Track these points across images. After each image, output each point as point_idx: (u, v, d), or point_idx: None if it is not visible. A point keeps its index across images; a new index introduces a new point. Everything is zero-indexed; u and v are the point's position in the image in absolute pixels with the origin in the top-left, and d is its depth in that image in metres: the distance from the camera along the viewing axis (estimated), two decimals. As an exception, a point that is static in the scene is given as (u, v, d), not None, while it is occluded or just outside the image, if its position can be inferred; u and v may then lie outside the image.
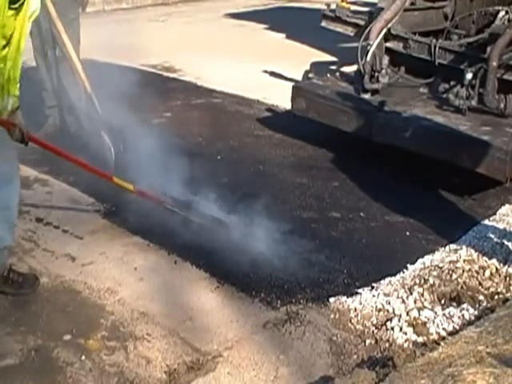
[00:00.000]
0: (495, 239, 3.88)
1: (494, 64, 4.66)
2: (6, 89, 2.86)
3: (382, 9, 5.36)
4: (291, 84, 5.66)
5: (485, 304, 3.23)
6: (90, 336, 2.97)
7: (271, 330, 3.05)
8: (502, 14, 5.22)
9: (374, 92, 5.16)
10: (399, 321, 3.10)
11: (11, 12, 2.66)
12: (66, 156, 3.37)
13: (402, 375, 2.54)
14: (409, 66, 5.47)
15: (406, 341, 2.98)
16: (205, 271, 3.49)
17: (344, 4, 6.57)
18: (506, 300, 3.23)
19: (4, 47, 2.75)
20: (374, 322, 3.12)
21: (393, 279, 3.47)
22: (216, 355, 2.88)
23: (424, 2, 5.79)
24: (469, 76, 4.73)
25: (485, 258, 3.65)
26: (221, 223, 3.73)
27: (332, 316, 3.17)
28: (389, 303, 3.24)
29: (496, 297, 3.29)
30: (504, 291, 3.35)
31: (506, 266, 3.56)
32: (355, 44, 5.41)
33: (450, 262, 3.62)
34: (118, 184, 3.40)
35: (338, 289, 3.40)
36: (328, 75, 5.67)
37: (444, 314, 3.15)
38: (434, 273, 3.51)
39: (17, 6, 2.68)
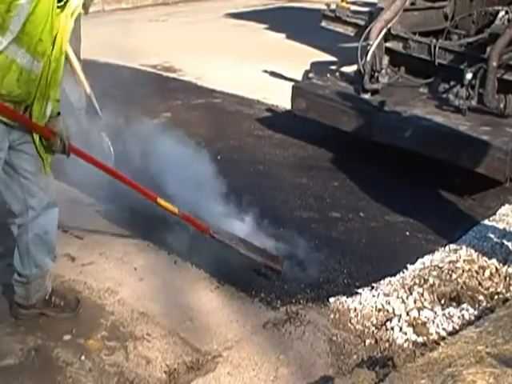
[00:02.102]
0: (495, 239, 3.88)
1: (494, 64, 4.66)
2: (46, 94, 2.65)
3: (382, 9, 5.36)
4: (291, 84, 5.66)
5: (484, 304, 3.23)
6: (90, 336, 2.96)
7: (271, 330, 3.05)
8: (501, 14, 5.22)
9: (374, 92, 5.17)
10: (399, 321, 3.10)
11: (58, 10, 2.49)
12: (108, 171, 3.15)
13: (401, 375, 2.54)
14: (409, 66, 5.47)
15: (405, 341, 2.98)
16: (205, 271, 3.49)
17: (344, 4, 6.59)
18: (506, 300, 3.23)
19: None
20: (374, 322, 3.13)
21: (393, 279, 3.47)
22: (216, 355, 2.88)
23: (424, 2, 5.79)
24: (469, 76, 4.73)
25: (485, 258, 3.65)
26: (273, 258, 3.52)
27: (332, 316, 3.17)
28: (389, 303, 3.24)
29: (496, 297, 3.29)
30: (504, 291, 3.35)
31: (506, 266, 3.56)
32: (355, 44, 5.41)
33: (450, 262, 3.62)
34: (162, 206, 3.25)
35: (337, 289, 3.40)
36: (328, 75, 5.67)
37: (444, 314, 3.15)
38: (434, 273, 3.51)
39: (62, 3, 2.51)
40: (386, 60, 5.38)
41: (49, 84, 2.65)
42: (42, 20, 2.42)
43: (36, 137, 2.72)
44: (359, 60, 5.17)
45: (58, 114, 2.81)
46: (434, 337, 3.00)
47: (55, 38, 2.56)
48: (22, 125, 2.66)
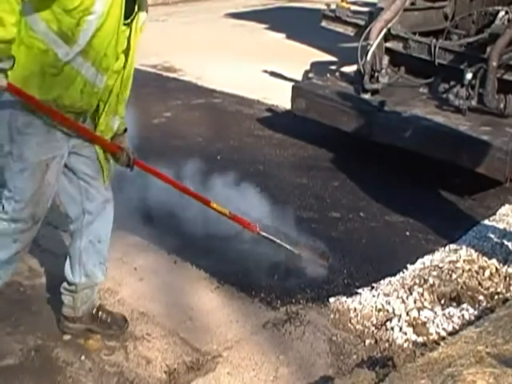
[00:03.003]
0: (495, 239, 3.88)
1: (494, 64, 4.66)
2: (113, 108, 2.69)
3: (382, 9, 5.36)
4: (291, 84, 5.67)
5: (484, 304, 3.23)
6: (89, 336, 2.96)
7: (271, 330, 3.05)
8: (501, 14, 5.23)
9: (374, 92, 5.17)
10: (399, 321, 3.10)
11: (124, 27, 2.51)
12: (171, 182, 3.19)
13: (401, 375, 2.54)
14: (409, 66, 5.47)
15: (405, 341, 2.98)
16: (205, 271, 3.49)
17: (344, 4, 6.60)
18: (506, 300, 3.23)
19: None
20: (374, 322, 3.13)
21: (393, 279, 3.47)
22: (216, 355, 2.88)
23: (424, 2, 5.80)
24: (469, 76, 4.73)
25: (485, 258, 3.65)
26: (319, 253, 3.57)
27: (332, 316, 3.17)
28: (389, 303, 3.24)
29: (496, 297, 3.29)
30: (504, 291, 3.35)
31: (506, 266, 3.56)
32: (355, 44, 5.42)
33: (450, 262, 3.62)
34: (215, 209, 3.30)
35: (337, 289, 3.40)
36: (328, 75, 5.68)
37: (444, 314, 3.15)
38: (434, 273, 3.51)
39: (129, 20, 2.52)
40: (386, 60, 5.38)
41: (118, 100, 2.69)
42: (108, 36, 2.45)
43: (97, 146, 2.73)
44: (359, 60, 5.17)
45: (125, 130, 2.85)
46: (434, 337, 3.00)
47: (127, 54, 2.59)
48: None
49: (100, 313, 3.00)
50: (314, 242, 3.69)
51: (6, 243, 2.63)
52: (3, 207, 2.59)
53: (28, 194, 2.56)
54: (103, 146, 2.73)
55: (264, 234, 3.46)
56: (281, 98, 6.07)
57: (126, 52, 2.60)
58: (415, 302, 3.25)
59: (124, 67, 2.63)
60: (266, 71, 7.34)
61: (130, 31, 2.56)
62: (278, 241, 3.47)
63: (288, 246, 3.48)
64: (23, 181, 2.54)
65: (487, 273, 3.51)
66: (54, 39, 2.38)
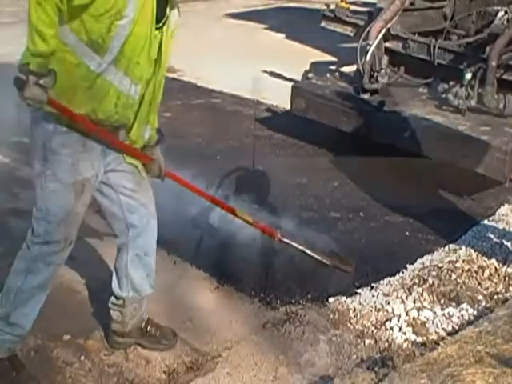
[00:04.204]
0: (494, 239, 3.88)
1: (494, 64, 4.67)
2: (145, 117, 2.59)
3: (382, 9, 5.36)
4: (291, 84, 5.67)
5: (484, 304, 3.23)
6: (89, 336, 2.97)
7: (270, 330, 3.05)
8: (501, 13, 5.22)
9: (374, 92, 5.16)
10: (398, 321, 3.10)
11: (156, 32, 2.39)
12: (201, 193, 3.07)
13: (401, 375, 2.55)
14: (408, 66, 5.47)
15: (405, 341, 2.98)
16: (205, 271, 3.49)
17: (343, 4, 6.59)
18: (505, 300, 3.24)
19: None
20: (374, 322, 3.13)
21: (392, 279, 3.47)
22: (215, 355, 2.88)
23: (423, 2, 5.79)
24: (468, 76, 4.73)
25: (484, 258, 3.66)
26: (342, 259, 3.32)
27: (331, 316, 3.17)
28: (388, 303, 3.25)
29: (495, 297, 3.30)
30: (503, 291, 3.36)
31: (505, 266, 3.57)
32: (355, 44, 5.42)
33: (450, 262, 3.63)
34: (239, 216, 3.12)
35: (337, 289, 3.40)
36: (328, 75, 5.67)
37: (443, 314, 3.16)
38: (434, 273, 3.51)
39: (161, 24, 2.41)
40: (385, 60, 5.38)
41: (150, 108, 2.61)
42: (139, 42, 2.35)
43: None
44: (359, 60, 5.17)
45: (157, 143, 2.77)
46: (434, 337, 3.00)
47: (159, 61, 2.50)
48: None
49: (149, 327, 2.94)
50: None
51: (40, 268, 2.57)
52: (33, 230, 2.53)
53: (61, 215, 2.48)
54: (135, 156, 2.64)
55: (285, 240, 3.22)
56: (280, 97, 6.07)
57: (158, 58, 2.49)
58: (415, 302, 3.25)
59: (155, 73, 2.53)
60: (265, 71, 7.34)
61: (161, 35, 2.46)
62: (301, 247, 3.25)
63: (311, 253, 3.25)
64: (56, 202, 2.47)
65: (486, 273, 3.52)
66: (85, 50, 2.30)
